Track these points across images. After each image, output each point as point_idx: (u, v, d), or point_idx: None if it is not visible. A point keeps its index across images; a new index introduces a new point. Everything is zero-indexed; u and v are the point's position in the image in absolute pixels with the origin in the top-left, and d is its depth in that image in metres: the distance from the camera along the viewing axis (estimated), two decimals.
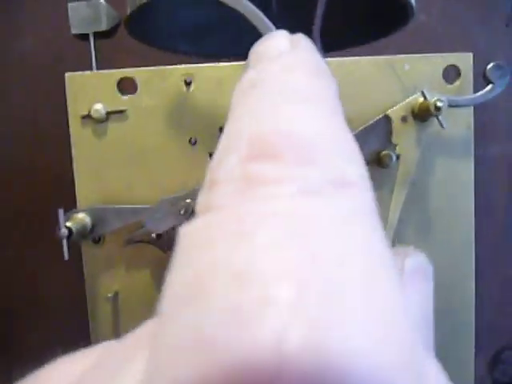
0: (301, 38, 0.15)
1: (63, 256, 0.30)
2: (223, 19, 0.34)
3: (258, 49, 0.15)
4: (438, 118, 0.30)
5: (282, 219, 0.08)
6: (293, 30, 0.17)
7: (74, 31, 0.40)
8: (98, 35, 0.41)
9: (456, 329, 0.36)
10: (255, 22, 0.27)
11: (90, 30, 0.40)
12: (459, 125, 0.34)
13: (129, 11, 0.25)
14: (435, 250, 0.35)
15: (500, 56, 0.67)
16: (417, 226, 0.35)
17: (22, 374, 0.11)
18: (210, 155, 0.34)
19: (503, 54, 0.68)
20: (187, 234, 0.10)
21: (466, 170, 0.35)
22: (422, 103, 0.31)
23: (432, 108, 0.30)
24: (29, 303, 0.43)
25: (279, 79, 0.12)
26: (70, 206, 0.33)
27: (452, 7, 0.66)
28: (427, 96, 0.31)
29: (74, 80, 0.33)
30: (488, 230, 0.68)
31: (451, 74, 0.34)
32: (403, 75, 0.34)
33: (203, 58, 0.50)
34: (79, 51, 0.41)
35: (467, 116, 0.34)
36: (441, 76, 0.34)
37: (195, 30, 0.51)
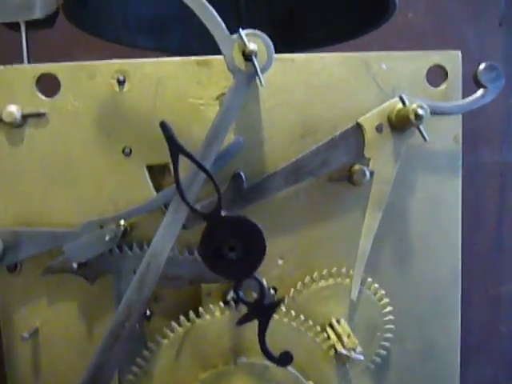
0: None
1: None
2: (186, 11, 0.28)
3: None
4: (419, 129, 0.25)
5: None
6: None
7: (1, 19, 0.34)
8: (31, 25, 0.35)
9: (439, 374, 0.31)
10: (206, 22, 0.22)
11: (20, 19, 0.34)
12: (445, 136, 0.29)
13: None
14: (415, 283, 0.30)
15: (493, 56, 0.62)
16: (394, 254, 0.30)
17: None
18: (148, 168, 0.28)
19: (496, 54, 0.63)
20: None
21: (453, 189, 0.29)
22: (400, 110, 0.26)
23: (412, 116, 0.24)
24: None
25: None
26: None
27: (441, 4, 0.61)
28: (406, 101, 0.25)
29: None
30: (479, 243, 0.63)
31: (436, 75, 0.29)
32: (380, 76, 0.28)
33: (164, 54, 0.45)
34: (9, 43, 0.36)
35: (454, 125, 0.29)
36: (424, 77, 0.29)
37: (154, 23, 0.46)
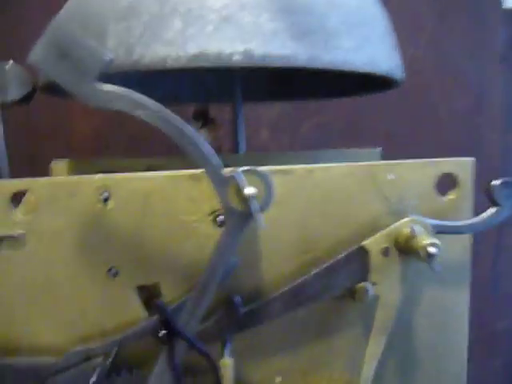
0: None
1: None
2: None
3: None
4: (429, 264, 0.23)
5: None
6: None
7: None
8: (6, 105, 0.32)
9: None
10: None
11: None
12: (454, 246, 0.27)
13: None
14: None
15: (493, 93, 0.60)
16: (399, 367, 0.28)
17: None
18: (139, 290, 0.26)
19: (497, 90, 0.61)
20: None
21: (462, 301, 0.28)
22: (409, 238, 0.24)
23: (423, 253, 0.23)
24: None
25: None
26: None
27: (442, 41, 0.58)
28: (415, 230, 0.24)
29: None
30: (474, 282, 0.62)
31: (445, 180, 0.27)
32: (386, 186, 0.26)
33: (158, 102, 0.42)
34: None
35: (463, 236, 0.27)
36: (433, 186, 0.27)
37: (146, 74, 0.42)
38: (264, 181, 0.21)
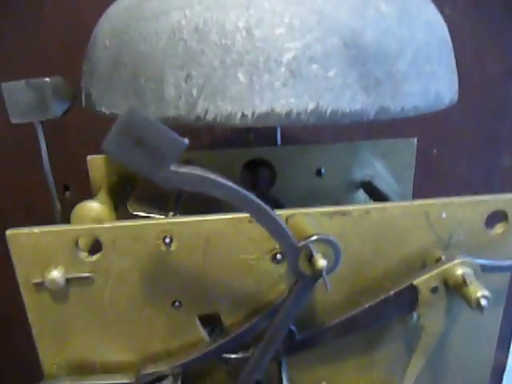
0: None
1: None
2: None
3: None
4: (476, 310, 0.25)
5: None
6: None
7: (14, 120, 0.30)
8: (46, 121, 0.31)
9: None
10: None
11: (35, 119, 0.30)
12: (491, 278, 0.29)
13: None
14: None
15: None
16: (429, 372, 0.31)
17: None
18: (200, 318, 0.28)
19: None
20: None
21: (494, 318, 0.30)
22: (460, 283, 0.25)
23: (473, 304, 0.24)
24: None
25: None
26: None
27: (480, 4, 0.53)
28: (468, 279, 0.25)
29: (18, 240, 0.25)
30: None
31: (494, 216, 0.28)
32: (438, 223, 0.27)
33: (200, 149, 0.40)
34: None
35: None
36: (483, 223, 0.27)
37: None
38: (334, 250, 0.22)
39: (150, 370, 0.28)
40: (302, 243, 0.22)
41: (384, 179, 0.40)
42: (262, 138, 0.52)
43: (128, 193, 0.39)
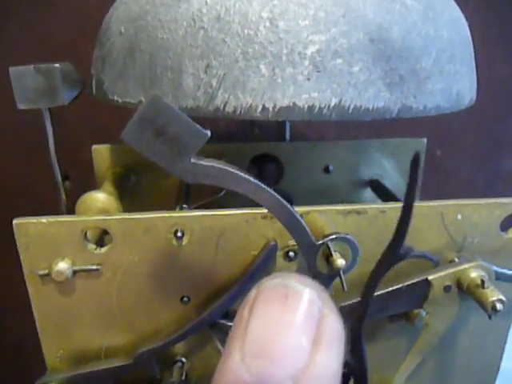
0: (325, 330, 0.13)
1: None
2: None
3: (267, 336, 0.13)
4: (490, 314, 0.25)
5: None
6: None
7: (20, 106, 0.29)
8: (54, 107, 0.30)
9: None
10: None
11: (43, 106, 0.29)
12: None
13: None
14: None
15: None
16: (434, 373, 0.31)
17: None
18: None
19: None
20: None
21: (503, 327, 0.30)
22: (476, 285, 0.25)
23: (489, 307, 0.24)
24: None
25: None
26: None
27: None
28: (486, 282, 0.25)
29: (25, 230, 0.24)
30: None
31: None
32: (453, 225, 0.27)
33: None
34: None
35: None
36: (498, 226, 0.27)
37: None
38: (352, 249, 0.22)
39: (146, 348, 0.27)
40: (321, 241, 0.21)
41: (392, 178, 0.40)
42: (267, 133, 0.52)
43: (133, 184, 0.39)
